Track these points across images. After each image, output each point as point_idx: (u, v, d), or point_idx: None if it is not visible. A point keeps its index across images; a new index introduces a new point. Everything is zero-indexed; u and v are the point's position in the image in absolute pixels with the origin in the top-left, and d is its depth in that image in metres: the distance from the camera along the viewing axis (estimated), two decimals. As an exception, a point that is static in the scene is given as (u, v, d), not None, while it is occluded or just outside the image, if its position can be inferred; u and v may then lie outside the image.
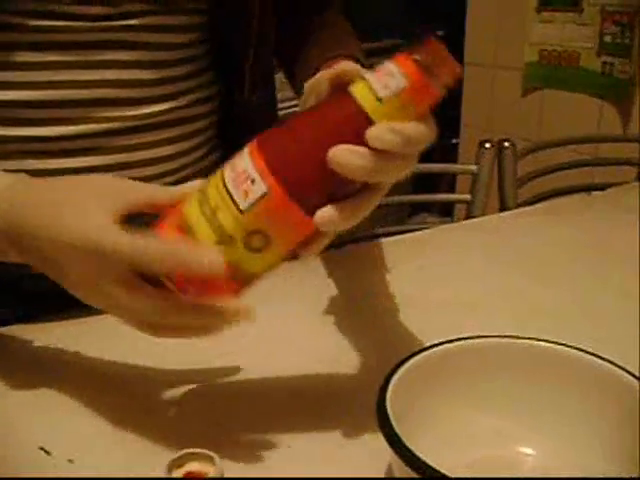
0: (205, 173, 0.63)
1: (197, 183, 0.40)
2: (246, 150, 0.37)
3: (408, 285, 0.64)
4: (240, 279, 0.39)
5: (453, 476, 0.31)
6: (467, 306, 0.59)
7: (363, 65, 0.46)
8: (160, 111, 0.57)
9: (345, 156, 0.35)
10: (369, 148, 0.36)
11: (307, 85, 0.42)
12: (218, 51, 0.62)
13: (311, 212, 0.37)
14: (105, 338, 0.53)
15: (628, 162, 1.33)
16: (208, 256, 0.36)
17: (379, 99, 0.36)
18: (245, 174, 0.36)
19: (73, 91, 0.52)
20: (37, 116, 0.52)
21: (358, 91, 0.37)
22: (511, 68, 2.04)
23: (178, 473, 0.38)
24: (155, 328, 0.40)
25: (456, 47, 2.27)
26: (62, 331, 0.54)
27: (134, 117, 0.55)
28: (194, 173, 0.62)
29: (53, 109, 0.52)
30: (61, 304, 0.56)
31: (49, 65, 0.52)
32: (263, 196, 0.36)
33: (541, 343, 0.42)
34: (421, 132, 0.36)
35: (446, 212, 1.69)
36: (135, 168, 0.56)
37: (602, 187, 1.04)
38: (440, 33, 2.80)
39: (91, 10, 0.51)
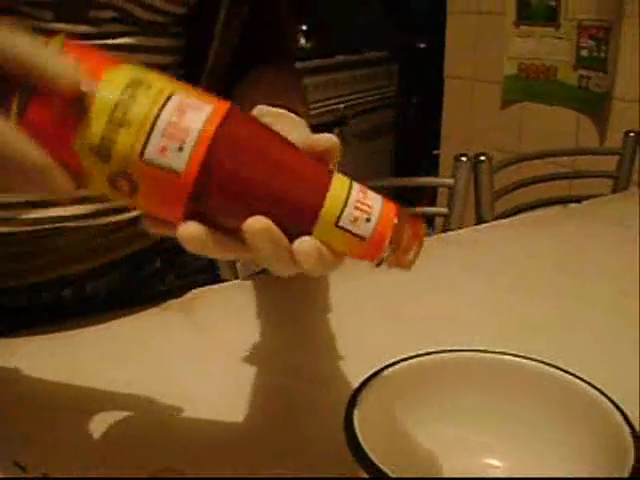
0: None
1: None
2: (209, 109, 0.31)
3: (385, 298, 0.65)
4: (82, 183, 0.32)
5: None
6: (445, 319, 0.60)
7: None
8: None
9: (258, 234, 0.31)
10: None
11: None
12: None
13: (191, 217, 0.31)
14: (80, 352, 0.54)
15: (605, 175, 1.35)
16: None
17: (338, 221, 0.31)
18: (182, 131, 0.30)
19: None
20: None
21: (335, 189, 0.32)
22: (490, 81, 2.07)
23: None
24: None
25: (436, 60, 2.30)
26: (35, 346, 0.54)
27: None
28: None
29: None
30: (35, 319, 0.56)
31: None
32: (170, 171, 0.30)
33: (507, 357, 0.43)
34: (328, 265, 0.32)
35: (427, 225, 1.70)
36: None
37: (579, 199, 1.06)
38: (422, 46, 2.84)
39: (75, 29, 0.51)
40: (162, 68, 0.57)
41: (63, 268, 0.57)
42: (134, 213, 0.58)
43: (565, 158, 1.59)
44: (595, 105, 1.82)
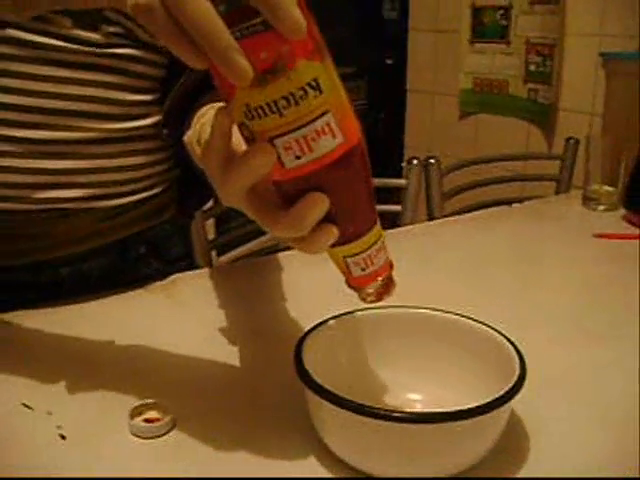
0: (167, 186, 0.72)
1: None
2: (339, 140, 0.35)
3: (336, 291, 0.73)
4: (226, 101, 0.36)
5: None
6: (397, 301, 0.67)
7: None
8: (132, 127, 0.65)
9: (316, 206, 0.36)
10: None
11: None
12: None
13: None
14: (76, 325, 0.62)
15: (545, 178, 1.46)
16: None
17: (346, 257, 0.41)
18: (308, 147, 0.35)
19: (61, 102, 0.59)
20: (24, 119, 0.58)
21: (363, 241, 0.40)
22: (448, 94, 2.18)
23: (139, 419, 0.47)
24: None
25: (403, 75, 2.41)
26: (39, 320, 0.62)
27: (109, 130, 0.63)
28: (157, 183, 0.71)
29: (39, 115, 0.58)
30: (37, 295, 0.65)
31: (45, 78, 0.58)
32: (280, 163, 0.35)
33: (426, 311, 0.51)
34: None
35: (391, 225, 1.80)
36: (107, 173, 0.64)
37: (524, 201, 1.14)
38: (389, 62, 2.96)
39: (89, 36, 0.59)
40: (157, 78, 0.66)
41: (62, 250, 0.65)
42: (126, 199, 0.66)
43: (516, 163, 1.70)
44: (543, 115, 1.94)
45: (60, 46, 0.58)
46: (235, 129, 0.36)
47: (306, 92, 0.33)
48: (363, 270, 0.42)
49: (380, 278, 0.43)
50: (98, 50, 0.60)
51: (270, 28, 0.32)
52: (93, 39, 0.59)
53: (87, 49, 0.59)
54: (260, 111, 0.34)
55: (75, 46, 0.58)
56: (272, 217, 0.37)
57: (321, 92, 0.34)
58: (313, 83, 0.33)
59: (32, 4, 0.41)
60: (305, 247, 0.39)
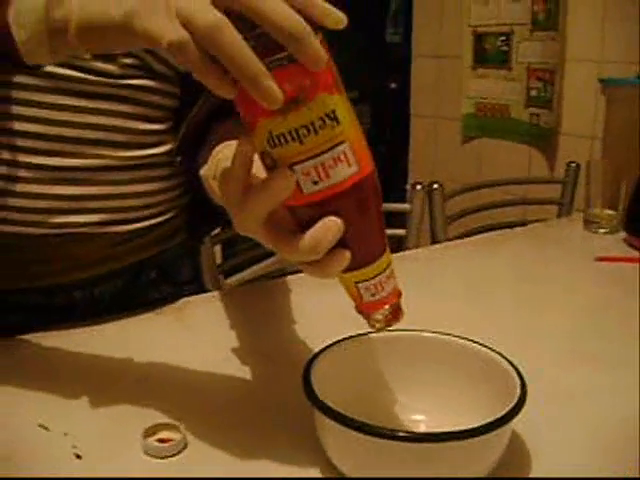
0: (178, 211, 0.74)
1: None
2: (354, 169, 0.38)
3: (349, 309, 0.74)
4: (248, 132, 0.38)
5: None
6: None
7: None
8: (146, 155, 0.67)
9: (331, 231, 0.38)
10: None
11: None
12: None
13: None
14: (88, 347, 0.63)
15: (547, 201, 1.48)
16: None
17: (358, 282, 0.43)
18: (326, 174, 0.37)
19: (78, 130, 0.61)
20: (41, 147, 0.60)
21: (374, 266, 0.42)
22: (451, 119, 2.20)
23: (152, 439, 0.49)
24: None
25: (405, 99, 2.44)
26: (51, 341, 0.64)
27: (124, 157, 0.65)
28: (169, 209, 0.73)
29: (57, 143, 0.60)
30: (49, 318, 0.66)
31: (64, 107, 0.60)
32: (299, 188, 0.37)
33: (432, 334, 0.52)
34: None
35: (396, 249, 1.82)
36: (120, 199, 0.66)
37: (527, 224, 1.16)
38: (393, 86, 2.99)
39: (106, 67, 0.61)
40: (169, 108, 0.68)
41: (75, 274, 0.67)
42: (140, 225, 0.68)
43: (519, 187, 1.72)
44: (544, 140, 1.96)
45: (79, 77, 0.60)
46: (255, 158, 0.39)
47: (324, 122, 0.36)
48: (373, 295, 0.44)
49: (388, 305, 0.45)
50: (114, 81, 0.62)
51: (294, 62, 0.35)
52: (110, 70, 0.61)
53: (104, 80, 0.62)
54: (282, 139, 0.36)
55: (93, 77, 0.61)
56: (287, 242, 0.39)
57: (338, 123, 0.37)
58: (331, 114, 0.36)
59: (68, 50, 0.43)
60: (318, 271, 0.40)
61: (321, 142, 0.36)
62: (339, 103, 0.37)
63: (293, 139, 0.36)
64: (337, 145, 0.37)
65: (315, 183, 0.37)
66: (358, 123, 0.39)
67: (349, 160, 0.37)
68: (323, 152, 0.37)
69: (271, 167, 0.38)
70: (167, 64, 0.65)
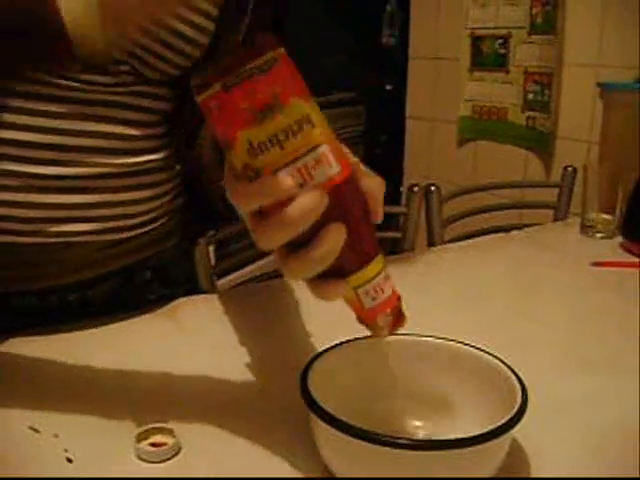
0: (173, 214, 0.74)
1: None
2: (335, 170, 0.39)
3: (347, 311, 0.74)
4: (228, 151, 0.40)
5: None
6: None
7: None
8: (141, 161, 0.66)
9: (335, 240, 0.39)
10: None
11: None
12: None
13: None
14: (83, 349, 0.63)
15: (543, 205, 1.47)
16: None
17: (357, 288, 0.43)
18: (309, 176, 0.38)
19: (74, 138, 0.60)
20: (40, 156, 0.59)
21: (369, 268, 0.43)
22: (448, 121, 2.20)
23: (145, 443, 0.48)
24: None
25: (401, 101, 2.44)
26: (44, 343, 0.63)
27: (120, 165, 0.64)
28: (165, 213, 0.72)
29: (54, 151, 0.60)
30: (44, 319, 0.66)
31: (59, 115, 0.59)
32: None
33: (431, 339, 0.52)
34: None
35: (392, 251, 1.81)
36: (118, 207, 0.65)
37: (523, 228, 1.16)
38: (388, 88, 3.00)
39: (97, 79, 0.60)
40: (164, 112, 0.68)
41: (69, 276, 0.66)
42: (136, 231, 0.68)
43: (515, 191, 1.72)
44: (541, 143, 1.96)
45: (75, 86, 0.59)
46: None
47: (301, 126, 0.38)
48: (374, 300, 0.44)
49: (390, 308, 0.45)
50: (109, 89, 0.61)
51: (264, 71, 0.37)
52: (101, 81, 0.61)
53: (99, 88, 0.61)
54: (263, 146, 0.38)
55: (85, 86, 0.60)
56: (294, 256, 0.40)
57: (314, 126, 0.38)
58: (307, 117, 0.38)
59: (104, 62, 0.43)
60: (319, 292, 0.42)
61: (301, 144, 0.38)
62: (311, 109, 0.38)
63: (273, 145, 0.38)
64: (317, 147, 0.38)
65: (301, 186, 0.38)
66: (332, 130, 0.40)
67: (330, 161, 0.38)
68: (304, 154, 0.38)
69: (253, 178, 0.39)
70: (158, 70, 0.64)
